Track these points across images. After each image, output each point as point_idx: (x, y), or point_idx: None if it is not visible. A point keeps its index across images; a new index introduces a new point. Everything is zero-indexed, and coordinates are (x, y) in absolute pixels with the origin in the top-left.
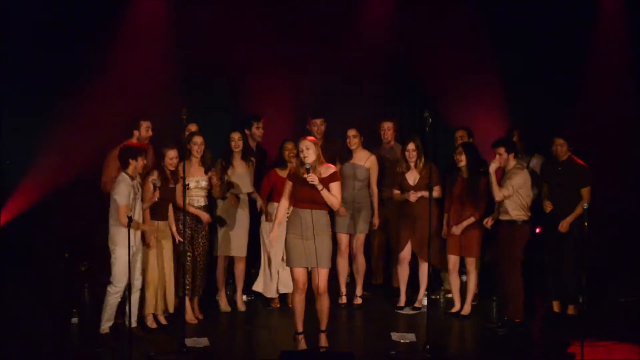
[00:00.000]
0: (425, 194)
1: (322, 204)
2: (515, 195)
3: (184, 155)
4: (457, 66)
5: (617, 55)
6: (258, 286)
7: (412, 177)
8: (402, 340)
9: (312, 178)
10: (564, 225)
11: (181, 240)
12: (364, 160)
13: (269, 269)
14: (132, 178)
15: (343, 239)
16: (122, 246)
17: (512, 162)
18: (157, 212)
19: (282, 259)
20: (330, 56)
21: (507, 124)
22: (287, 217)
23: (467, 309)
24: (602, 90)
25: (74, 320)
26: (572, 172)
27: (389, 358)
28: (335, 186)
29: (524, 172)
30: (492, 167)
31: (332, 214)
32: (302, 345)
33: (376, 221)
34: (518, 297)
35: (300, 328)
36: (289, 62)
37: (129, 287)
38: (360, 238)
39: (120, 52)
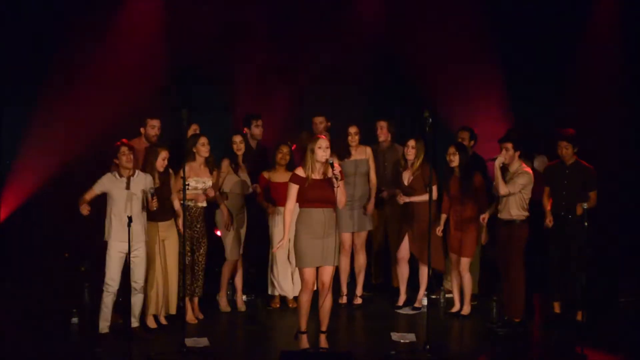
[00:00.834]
0: (414, 199)
1: (332, 202)
2: (518, 194)
3: (185, 155)
4: (457, 66)
5: (617, 55)
6: (281, 289)
7: (406, 177)
8: (402, 340)
9: (339, 170)
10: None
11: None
12: (363, 153)
13: (275, 270)
14: (120, 175)
15: (346, 238)
16: (114, 239)
17: (517, 162)
18: (160, 213)
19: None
20: (328, 57)
21: (507, 124)
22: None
23: (467, 309)
24: (602, 90)
25: (74, 320)
26: (580, 175)
27: (389, 358)
28: (342, 183)
29: (530, 174)
30: (498, 162)
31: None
32: (305, 343)
33: (370, 207)
34: (519, 296)
35: (304, 327)
36: (289, 62)
37: (128, 288)
38: (362, 235)
39: (115, 51)
